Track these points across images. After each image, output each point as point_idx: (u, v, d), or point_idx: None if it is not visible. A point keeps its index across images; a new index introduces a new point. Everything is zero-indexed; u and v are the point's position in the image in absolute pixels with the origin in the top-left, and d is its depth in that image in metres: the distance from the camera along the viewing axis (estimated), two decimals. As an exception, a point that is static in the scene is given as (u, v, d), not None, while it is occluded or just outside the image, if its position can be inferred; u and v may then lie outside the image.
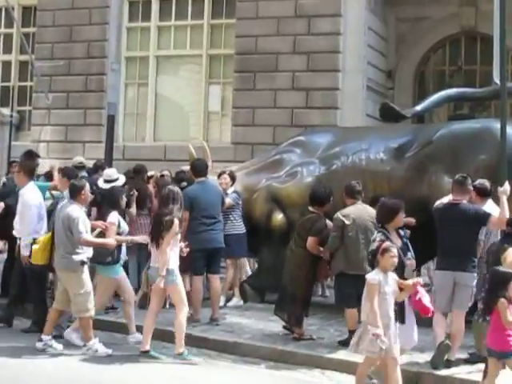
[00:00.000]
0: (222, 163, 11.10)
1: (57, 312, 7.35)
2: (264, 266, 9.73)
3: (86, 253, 7.19)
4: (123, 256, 7.80)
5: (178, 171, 9.92)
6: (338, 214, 7.44)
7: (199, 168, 8.48)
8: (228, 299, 9.44)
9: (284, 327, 7.77)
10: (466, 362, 6.71)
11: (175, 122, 14.69)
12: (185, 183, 8.93)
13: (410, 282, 5.88)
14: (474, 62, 14.20)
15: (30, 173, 8.25)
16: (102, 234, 7.45)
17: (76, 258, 7.09)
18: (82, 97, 14.72)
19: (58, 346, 7.21)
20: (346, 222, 7.35)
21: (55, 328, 7.41)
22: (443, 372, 6.46)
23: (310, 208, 7.72)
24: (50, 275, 8.46)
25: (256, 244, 9.46)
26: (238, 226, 9.19)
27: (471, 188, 7.01)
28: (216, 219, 8.28)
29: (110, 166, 10.40)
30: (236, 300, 9.47)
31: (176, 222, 6.94)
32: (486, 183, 7.21)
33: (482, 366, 6.11)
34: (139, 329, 7.31)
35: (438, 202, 7.09)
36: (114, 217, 7.53)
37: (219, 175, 9.40)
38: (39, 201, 8.05)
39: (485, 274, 6.40)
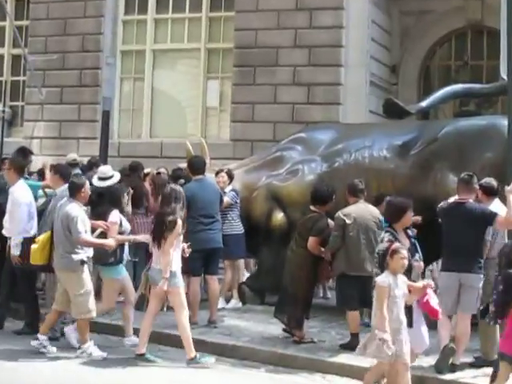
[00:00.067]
0: (220, 160, 11.00)
1: (56, 313, 7.26)
2: (264, 266, 9.67)
3: (85, 252, 7.09)
4: (126, 256, 7.65)
5: (175, 168, 9.85)
6: (339, 213, 7.44)
7: (197, 165, 8.41)
8: (227, 301, 9.37)
9: (284, 330, 7.72)
10: (472, 365, 6.65)
11: (172, 118, 14.51)
12: (182, 181, 8.86)
13: (419, 284, 5.81)
14: (481, 56, 14.01)
15: (21, 170, 8.16)
16: (103, 234, 7.29)
17: (76, 257, 6.99)
18: (76, 92, 14.51)
19: (52, 349, 7.13)
20: (347, 222, 7.33)
21: (49, 330, 7.31)
22: (448, 376, 6.39)
23: (312, 207, 7.66)
24: (42, 276, 8.41)
25: (255, 244, 9.41)
26: (236, 226, 9.14)
27: (477, 187, 6.94)
28: (214, 218, 8.21)
29: (105, 163, 10.25)
30: (234, 302, 9.42)
31: (179, 222, 6.80)
32: (493, 182, 7.12)
33: (487, 370, 6.08)
34: (135, 331, 7.26)
35: (443, 203, 7.00)
36: (115, 216, 7.36)
37: (217, 173, 9.35)
38: (29, 199, 7.95)
39: (497, 276, 6.25)
